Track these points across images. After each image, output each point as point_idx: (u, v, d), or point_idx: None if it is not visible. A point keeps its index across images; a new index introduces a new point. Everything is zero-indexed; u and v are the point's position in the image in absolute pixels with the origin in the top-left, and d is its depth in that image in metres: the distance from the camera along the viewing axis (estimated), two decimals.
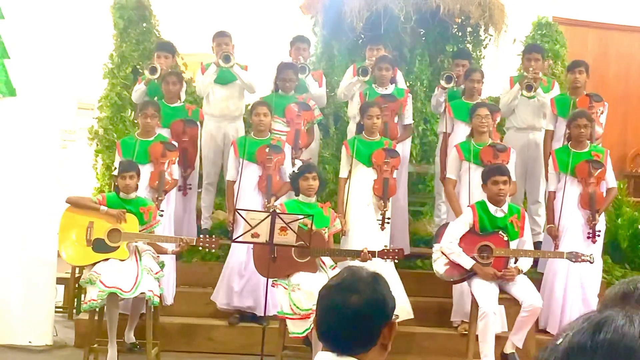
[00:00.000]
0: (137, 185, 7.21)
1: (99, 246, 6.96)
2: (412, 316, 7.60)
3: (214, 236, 7.17)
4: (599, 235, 7.54)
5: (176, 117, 8.48)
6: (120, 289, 6.69)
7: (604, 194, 7.70)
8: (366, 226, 7.63)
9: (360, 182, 7.80)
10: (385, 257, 6.84)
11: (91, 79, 10.53)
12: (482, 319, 6.76)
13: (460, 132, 8.39)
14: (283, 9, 11.24)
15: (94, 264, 6.90)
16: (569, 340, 1.45)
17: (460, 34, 10.09)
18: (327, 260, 6.94)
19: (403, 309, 7.47)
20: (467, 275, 7.01)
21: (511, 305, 6.99)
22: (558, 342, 1.47)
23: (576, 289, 7.43)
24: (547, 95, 8.69)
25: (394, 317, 2.77)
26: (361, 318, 2.69)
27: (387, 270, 7.17)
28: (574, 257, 6.90)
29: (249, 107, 8.49)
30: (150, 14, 10.20)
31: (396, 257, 6.85)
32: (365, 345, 2.70)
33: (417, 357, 7.70)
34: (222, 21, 10.14)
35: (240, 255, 7.69)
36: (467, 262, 6.95)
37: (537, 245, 8.25)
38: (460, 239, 7.03)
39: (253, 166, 7.90)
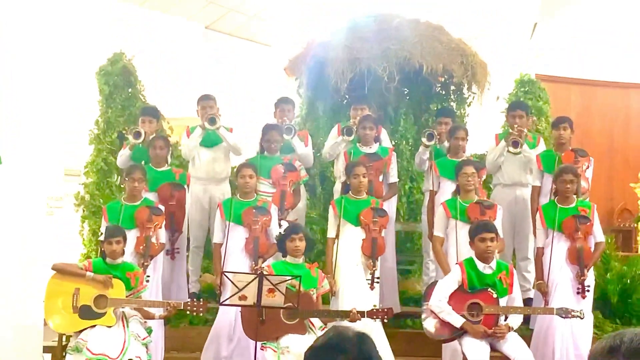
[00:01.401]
0: (123, 250, 7.17)
1: (85, 313, 6.89)
2: None
3: (201, 300, 7.11)
4: (588, 291, 7.51)
5: (163, 181, 8.48)
6: (108, 356, 6.61)
7: (592, 249, 7.69)
8: (355, 286, 7.58)
9: (348, 241, 7.78)
10: (375, 317, 6.79)
11: (77, 145, 10.54)
12: None
13: (447, 189, 8.40)
14: (268, 72, 11.34)
15: (81, 331, 6.82)
16: None
17: (444, 92, 10.18)
18: (316, 321, 6.89)
19: None
20: (458, 333, 6.95)
21: None
22: None
23: (568, 345, 7.37)
24: (533, 151, 8.74)
25: None
26: None
27: (374, 330, 7.11)
28: (564, 312, 6.87)
29: (235, 170, 8.51)
30: (136, 80, 10.26)
31: (385, 316, 6.81)
32: None
33: None
34: (207, 85, 10.22)
35: (228, 319, 7.62)
36: (457, 321, 6.90)
37: (528, 301, 8.21)
38: (450, 296, 7.00)
39: (240, 228, 7.87)
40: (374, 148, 8.74)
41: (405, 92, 10.14)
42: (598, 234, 7.77)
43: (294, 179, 8.63)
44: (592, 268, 7.67)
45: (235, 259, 7.76)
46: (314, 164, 9.57)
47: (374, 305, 7.06)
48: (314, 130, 9.99)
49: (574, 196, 7.78)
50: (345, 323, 6.57)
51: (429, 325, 7.07)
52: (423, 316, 7.17)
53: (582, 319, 6.94)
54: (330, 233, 7.91)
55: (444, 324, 6.98)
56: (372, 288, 7.60)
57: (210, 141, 8.81)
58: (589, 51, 13.00)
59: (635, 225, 11.95)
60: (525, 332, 7.60)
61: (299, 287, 6.69)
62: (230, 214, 7.88)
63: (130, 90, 10.22)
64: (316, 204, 9.93)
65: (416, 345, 8.03)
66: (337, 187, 8.71)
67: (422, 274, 9.25)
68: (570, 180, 7.69)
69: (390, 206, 8.82)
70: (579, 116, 12.40)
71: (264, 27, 12.92)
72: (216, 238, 8.01)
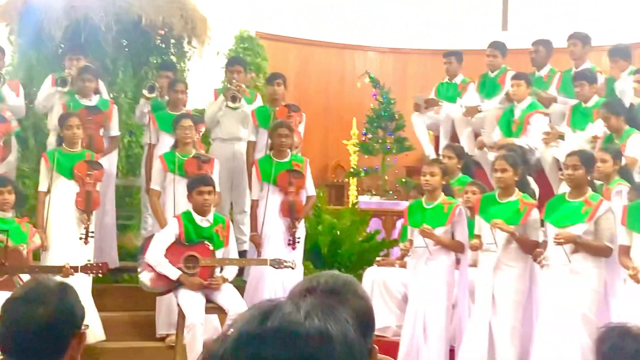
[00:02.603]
0: None
1: None
2: (103, 337, 7.36)
3: None
4: (298, 242, 7.83)
5: None
6: None
7: (304, 202, 8.00)
8: (68, 241, 7.38)
9: (61, 195, 7.55)
10: (89, 271, 6.67)
11: None
12: (189, 331, 6.79)
13: (166, 143, 8.37)
14: None
15: None
16: (239, 329, 1.46)
17: (164, 45, 10.04)
18: (27, 278, 6.64)
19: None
20: (174, 286, 6.99)
21: (218, 314, 7.06)
22: (229, 332, 1.48)
23: (278, 295, 7.63)
24: (250, 106, 8.92)
25: (83, 327, 2.69)
26: (48, 330, 2.59)
27: (83, 284, 6.95)
28: (277, 263, 7.11)
29: None
30: None
31: (100, 271, 6.70)
32: (53, 358, 2.60)
33: None
34: None
35: None
36: (173, 273, 6.94)
37: (244, 253, 8.40)
38: (167, 250, 7.03)
39: None
40: (94, 100, 8.52)
41: (124, 44, 9.89)
42: (310, 188, 8.10)
43: (3, 131, 8.21)
44: (303, 220, 7.99)
45: None
46: (27, 115, 9.13)
47: (88, 260, 6.91)
48: (27, 80, 9.48)
49: (288, 150, 8.03)
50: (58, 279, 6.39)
51: (145, 278, 7.06)
52: (139, 270, 7.14)
53: (293, 269, 7.21)
54: (42, 186, 7.63)
55: (160, 277, 7.00)
56: (86, 242, 7.42)
57: None
58: (307, 11, 13.36)
59: (347, 180, 12.53)
60: (240, 283, 7.78)
61: (7, 242, 6.41)
62: None
63: None
64: (28, 156, 9.47)
65: (133, 299, 7.97)
66: (51, 140, 8.40)
67: (141, 228, 9.17)
68: (285, 135, 7.93)
69: (112, 160, 8.69)
70: (297, 75, 12.74)
71: None
72: None
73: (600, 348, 2.06)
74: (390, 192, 11.93)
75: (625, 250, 6.40)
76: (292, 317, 1.46)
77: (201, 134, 8.64)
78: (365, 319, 2.29)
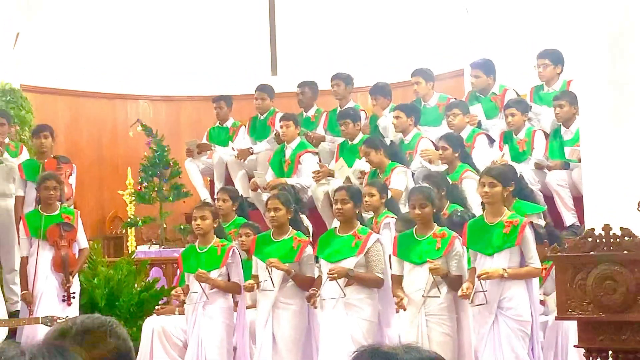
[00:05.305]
0: None
1: None
2: None
3: None
4: (73, 297, 7.65)
5: None
6: None
7: (77, 255, 7.81)
8: None
9: None
10: None
11: None
12: None
13: None
14: None
15: None
16: None
17: None
18: None
19: None
20: None
21: None
22: None
23: None
24: (15, 160, 8.73)
25: None
26: None
27: None
28: (49, 321, 6.89)
29: None
30: None
31: None
32: None
33: None
34: None
35: None
36: None
37: (16, 314, 8.07)
38: None
39: None
40: None
41: None
42: (82, 240, 7.96)
43: None
44: (77, 274, 7.79)
45: None
46: None
47: None
48: None
49: (58, 203, 7.84)
50: None
51: None
52: None
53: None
54: None
55: None
56: None
57: None
58: (74, 63, 13.06)
59: (125, 230, 12.28)
60: None
61: None
62: None
63: None
64: None
65: None
66: None
67: None
68: (53, 187, 7.77)
69: None
70: (67, 126, 12.42)
71: None
72: None
73: None
74: (170, 240, 11.80)
75: (398, 280, 6.62)
76: None
77: None
78: (124, 358, 2.28)
